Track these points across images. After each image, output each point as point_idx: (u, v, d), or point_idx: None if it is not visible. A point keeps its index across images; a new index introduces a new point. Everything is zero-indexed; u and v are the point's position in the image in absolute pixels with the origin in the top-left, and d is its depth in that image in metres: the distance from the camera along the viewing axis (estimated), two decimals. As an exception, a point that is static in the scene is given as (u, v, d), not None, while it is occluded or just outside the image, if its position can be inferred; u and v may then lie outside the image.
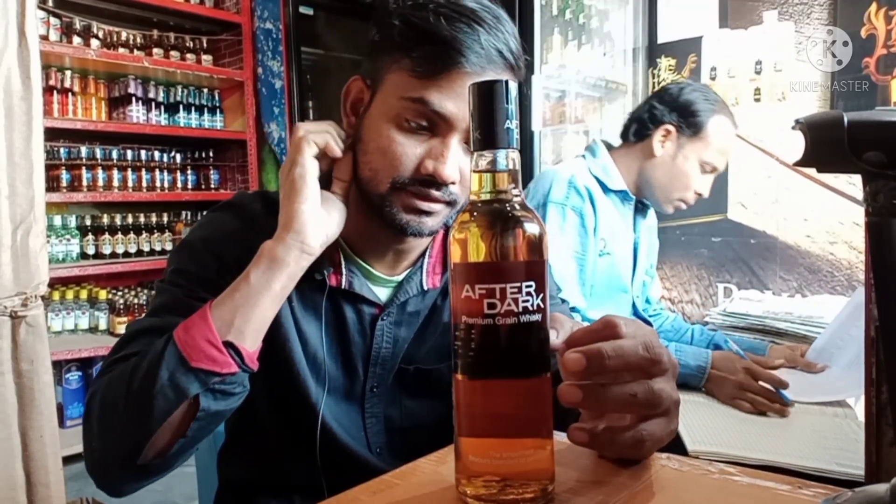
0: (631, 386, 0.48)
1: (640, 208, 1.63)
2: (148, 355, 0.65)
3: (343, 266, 0.80)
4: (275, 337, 0.77)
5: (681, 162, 1.50)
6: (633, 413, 0.50)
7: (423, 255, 0.84)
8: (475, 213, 0.48)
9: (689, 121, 1.48)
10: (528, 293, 0.46)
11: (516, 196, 0.48)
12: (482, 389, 0.47)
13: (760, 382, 1.22)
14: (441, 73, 0.69)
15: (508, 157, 0.48)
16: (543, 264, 0.47)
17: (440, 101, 0.69)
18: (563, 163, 1.77)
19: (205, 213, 0.88)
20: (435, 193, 0.72)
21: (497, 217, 0.47)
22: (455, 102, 0.70)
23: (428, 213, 0.73)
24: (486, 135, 0.48)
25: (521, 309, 0.45)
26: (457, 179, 0.72)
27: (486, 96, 0.47)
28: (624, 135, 1.61)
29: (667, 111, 1.51)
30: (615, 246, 1.55)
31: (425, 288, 0.83)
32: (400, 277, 0.83)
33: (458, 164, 0.72)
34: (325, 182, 0.76)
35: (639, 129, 1.55)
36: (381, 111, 0.73)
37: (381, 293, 0.82)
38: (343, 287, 0.79)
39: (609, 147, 1.62)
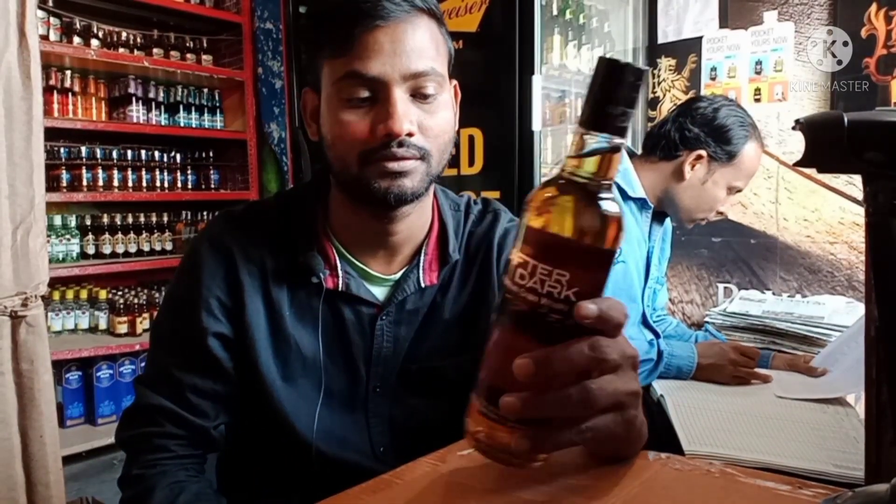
0: (566, 389, 0.46)
1: (657, 216, 1.59)
2: None
3: (339, 268, 0.80)
4: (252, 357, 0.78)
5: (710, 186, 1.46)
6: (571, 414, 0.48)
7: (418, 252, 0.84)
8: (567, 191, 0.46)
9: (723, 148, 1.43)
10: (558, 280, 0.45)
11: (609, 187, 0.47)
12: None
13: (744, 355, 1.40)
14: (353, 40, 0.71)
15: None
16: (596, 259, 0.46)
17: (365, 66, 0.70)
18: None
19: (204, 216, 0.90)
20: (400, 151, 0.72)
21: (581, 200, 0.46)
22: (379, 60, 0.70)
23: (402, 174, 0.73)
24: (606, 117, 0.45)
25: (545, 291, 0.45)
26: (414, 130, 0.72)
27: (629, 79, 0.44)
28: (649, 148, 1.55)
29: (701, 135, 1.44)
30: (629, 254, 1.53)
31: (423, 286, 0.83)
32: (397, 276, 0.83)
33: (408, 116, 0.72)
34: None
35: (667, 147, 1.49)
36: (327, 105, 0.75)
37: (379, 292, 0.82)
38: (340, 289, 0.80)
39: (630, 153, 1.58)
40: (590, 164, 0.45)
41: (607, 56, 0.45)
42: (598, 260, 0.46)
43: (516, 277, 0.46)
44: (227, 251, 0.80)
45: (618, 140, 0.45)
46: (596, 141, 0.45)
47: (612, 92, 0.44)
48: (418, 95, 0.73)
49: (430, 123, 0.74)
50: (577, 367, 0.46)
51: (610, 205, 0.46)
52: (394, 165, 0.72)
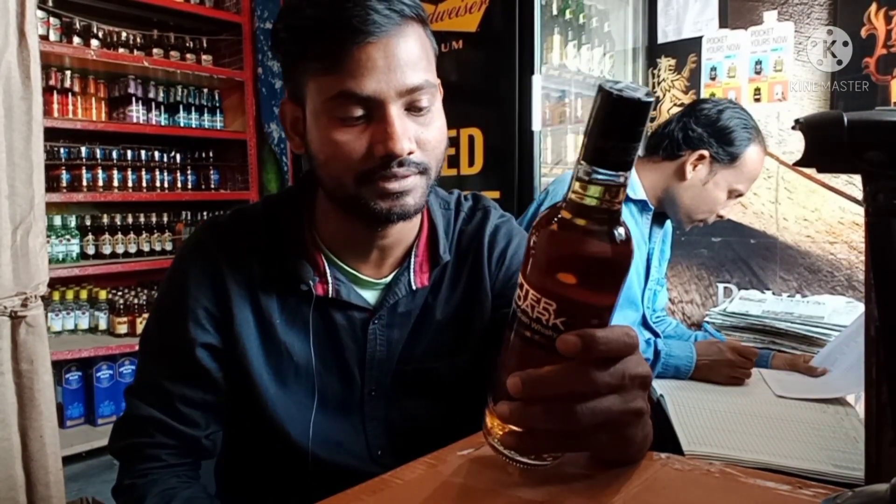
0: (550, 405, 0.46)
1: (656, 218, 1.59)
2: None
3: (328, 274, 0.79)
4: (244, 366, 0.78)
5: (711, 188, 1.47)
6: (555, 427, 0.47)
7: (408, 254, 0.83)
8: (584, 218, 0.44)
9: (725, 149, 1.44)
10: (545, 309, 0.45)
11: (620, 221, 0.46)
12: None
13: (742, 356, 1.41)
14: (344, 57, 0.67)
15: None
16: (586, 293, 0.45)
17: (359, 86, 0.68)
18: None
19: (203, 216, 0.89)
20: (400, 171, 0.70)
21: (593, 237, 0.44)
22: (374, 78, 0.68)
23: (404, 193, 0.72)
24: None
25: (534, 316, 0.46)
26: (413, 148, 0.70)
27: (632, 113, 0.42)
28: (652, 148, 1.56)
29: (704, 135, 1.45)
30: None
31: (414, 288, 0.82)
32: (388, 279, 0.82)
33: (407, 134, 0.70)
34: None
35: (670, 147, 1.50)
36: (315, 122, 0.72)
37: (370, 296, 0.82)
38: (330, 296, 0.79)
39: None
40: (589, 199, 0.44)
41: (609, 86, 0.41)
42: (589, 293, 0.45)
43: (516, 294, 0.47)
44: (213, 260, 0.79)
45: (621, 175, 0.43)
46: (594, 176, 0.43)
47: (611, 126, 0.41)
48: (413, 109, 0.71)
49: (427, 137, 0.72)
50: (562, 390, 0.46)
51: (599, 243, 0.44)
52: (394, 186, 0.71)
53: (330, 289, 0.79)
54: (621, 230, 0.45)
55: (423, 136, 0.72)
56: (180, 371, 0.78)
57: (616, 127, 0.41)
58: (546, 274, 0.45)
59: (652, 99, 0.41)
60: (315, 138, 0.73)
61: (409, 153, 0.70)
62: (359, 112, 0.69)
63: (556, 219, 0.45)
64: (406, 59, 0.69)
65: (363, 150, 0.70)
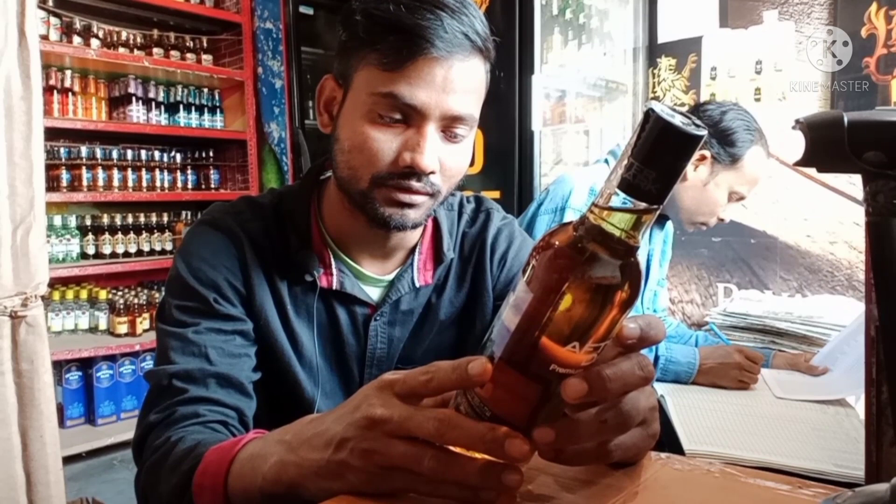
0: (601, 413, 0.45)
1: (657, 219, 1.59)
2: (170, 478, 0.62)
3: (333, 266, 0.80)
4: (268, 341, 0.78)
5: (711, 189, 1.47)
6: (603, 438, 0.46)
7: (413, 252, 0.84)
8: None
9: (727, 150, 1.44)
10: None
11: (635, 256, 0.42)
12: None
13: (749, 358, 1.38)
14: (407, 62, 0.68)
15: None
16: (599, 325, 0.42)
17: (410, 92, 0.69)
18: (585, 168, 1.75)
19: (189, 227, 0.85)
20: (415, 185, 0.71)
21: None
22: (426, 91, 0.69)
23: (410, 206, 0.73)
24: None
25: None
26: (436, 169, 0.72)
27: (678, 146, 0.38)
28: None
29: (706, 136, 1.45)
30: None
31: (417, 285, 0.83)
32: (391, 276, 0.83)
33: (436, 154, 0.71)
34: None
35: None
36: (354, 109, 0.73)
37: (373, 293, 0.82)
38: (334, 288, 0.79)
39: None
40: (610, 227, 0.40)
41: (659, 110, 0.38)
42: (583, 323, 0.41)
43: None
44: (233, 235, 0.78)
45: (652, 207, 0.39)
46: (624, 204, 0.39)
47: (654, 155, 0.38)
48: (448, 133, 0.73)
49: (451, 164, 0.74)
50: (629, 387, 0.44)
51: (611, 276, 0.40)
52: (405, 196, 0.72)
53: (334, 280, 0.79)
54: (636, 269, 0.41)
55: (447, 162, 0.73)
56: (207, 327, 0.74)
57: (659, 156, 0.38)
58: (545, 297, 0.41)
59: (704, 133, 0.38)
60: (347, 124, 0.73)
61: (430, 172, 0.71)
62: (398, 116, 0.70)
63: (566, 239, 0.41)
64: (461, 87, 0.70)
65: (389, 153, 0.71)
